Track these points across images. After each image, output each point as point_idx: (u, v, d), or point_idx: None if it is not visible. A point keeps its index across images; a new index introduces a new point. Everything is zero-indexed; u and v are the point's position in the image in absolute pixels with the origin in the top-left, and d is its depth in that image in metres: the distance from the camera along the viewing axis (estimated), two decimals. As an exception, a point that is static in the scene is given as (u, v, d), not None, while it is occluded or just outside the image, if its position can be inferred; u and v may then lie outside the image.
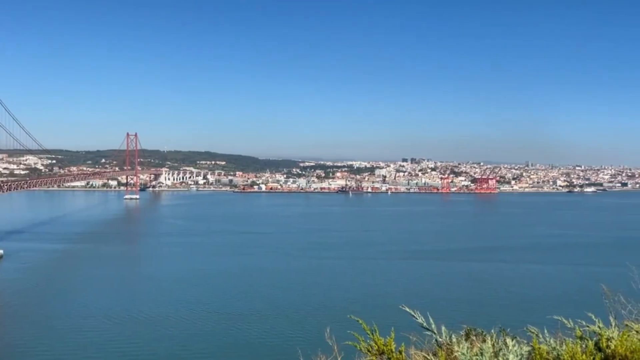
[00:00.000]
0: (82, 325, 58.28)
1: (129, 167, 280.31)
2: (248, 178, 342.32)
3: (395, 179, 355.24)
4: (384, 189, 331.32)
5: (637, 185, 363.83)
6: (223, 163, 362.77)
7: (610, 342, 4.52)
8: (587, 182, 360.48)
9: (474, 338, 6.93)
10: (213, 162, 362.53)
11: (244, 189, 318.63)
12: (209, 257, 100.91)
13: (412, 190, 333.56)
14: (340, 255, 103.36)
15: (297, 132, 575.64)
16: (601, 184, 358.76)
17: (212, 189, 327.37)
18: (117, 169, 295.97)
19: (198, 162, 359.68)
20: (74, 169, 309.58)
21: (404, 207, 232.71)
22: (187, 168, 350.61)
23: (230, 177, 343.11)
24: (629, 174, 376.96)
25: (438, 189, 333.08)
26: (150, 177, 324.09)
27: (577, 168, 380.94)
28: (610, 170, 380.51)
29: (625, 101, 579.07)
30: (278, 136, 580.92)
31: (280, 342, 51.80)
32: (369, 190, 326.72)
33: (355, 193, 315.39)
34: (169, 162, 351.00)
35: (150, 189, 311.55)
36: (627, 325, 5.15)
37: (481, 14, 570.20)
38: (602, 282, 11.86)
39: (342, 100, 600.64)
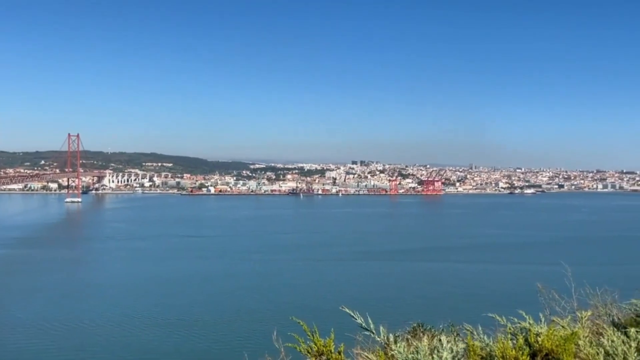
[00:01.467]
0: (7, 338, 54.72)
1: (70, 169, 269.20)
2: (196, 180, 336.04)
3: (345, 181, 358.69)
4: (334, 191, 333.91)
5: (573, 187, 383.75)
6: (170, 165, 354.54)
7: (539, 337, 4.73)
8: (527, 184, 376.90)
9: (421, 335, 7.10)
10: (160, 164, 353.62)
11: (192, 191, 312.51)
12: (154, 262, 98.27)
13: (361, 192, 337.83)
14: (291, 258, 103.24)
15: (247, 133, 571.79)
16: (540, 186, 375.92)
17: (158, 191, 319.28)
18: (57, 171, 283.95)
19: (144, 163, 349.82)
20: (10, 170, 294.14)
21: (354, 208, 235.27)
22: (133, 170, 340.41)
23: (177, 180, 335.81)
24: (565, 176, 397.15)
25: (386, 191, 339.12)
26: (93, 180, 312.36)
27: (518, 170, 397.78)
28: (549, 172, 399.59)
29: (561, 106, 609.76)
30: (227, 138, 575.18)
31: (226, 348, 50.96)
32: (320, 192, 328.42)
33: (306, 195, 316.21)
34: (113, 164, 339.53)
35: (93, 191, 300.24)
36: (553, 320, 5.41)
37: (428, 18, 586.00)
38: (539, 280, 12.41)
39: (292, 102, 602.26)
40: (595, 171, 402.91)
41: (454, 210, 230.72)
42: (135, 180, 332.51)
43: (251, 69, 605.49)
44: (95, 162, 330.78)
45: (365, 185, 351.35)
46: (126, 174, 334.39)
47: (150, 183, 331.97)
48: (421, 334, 7.15)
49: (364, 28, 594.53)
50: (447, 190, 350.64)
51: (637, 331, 5.06)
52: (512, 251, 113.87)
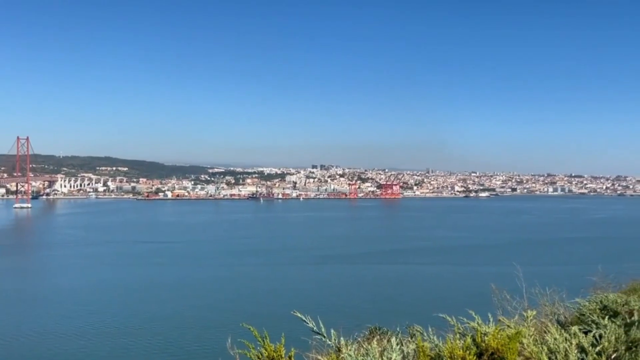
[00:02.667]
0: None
1: (19, 174, 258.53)
2: (153, 185, 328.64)
3: (305, 185, 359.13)
4: (294, 195, 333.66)
5: (525, 190, 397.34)
6: (125, 169, 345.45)
7: (485, 336, 4.83)
8: (481, 187, 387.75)
9: (379, 338, 7.14)
10: (114, 168, 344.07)
11: (148, 196, 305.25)
12: (107, 270, 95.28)
13: (321, 196, 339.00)
14: (250, 263, 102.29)
15: (206, 137, 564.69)
16: (494, 190, 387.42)
17: (113, 196, 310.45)
18: (5, 175, 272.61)
19: (98, 168, 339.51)
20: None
21: (314, 212, 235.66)
22: (86, 174, 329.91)
23: (133, 184, 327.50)
24: (518, 180, 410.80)
25: (346, 195, 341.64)
26: (43, 185, 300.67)
27: (473, 174, 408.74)
28: (502, 176, 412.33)
29: (514, 111, 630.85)
30: (185, 141, 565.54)
31: (181, 356, 49.91)
32: (280, 196, 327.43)
33: (266, 199, 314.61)
34: (65, 168, 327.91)
35: (44, 197, 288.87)
36: (500, 320, 5.56)
37: (387, 20, 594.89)
38: (492, 280, 12.74)
39: (252, 105, 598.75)
40: (546, 175, 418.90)
41: (412, 214, 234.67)
42: (88, 185, 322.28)
43: (209, 72, 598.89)
44: (46, 167, 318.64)
45: (326, 189, 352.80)
46: (79, 178, 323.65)
47: (105, 188, 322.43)
48: (379, 337, 7.20)
49: (321, 30, 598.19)
50: (405, 193, 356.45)
51: (579, 329, 5.24)
52: (467, 253, 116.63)
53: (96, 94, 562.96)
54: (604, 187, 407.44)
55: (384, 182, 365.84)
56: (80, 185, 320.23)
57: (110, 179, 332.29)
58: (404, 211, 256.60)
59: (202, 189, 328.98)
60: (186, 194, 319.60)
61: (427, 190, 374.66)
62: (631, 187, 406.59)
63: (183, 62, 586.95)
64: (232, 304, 69.82)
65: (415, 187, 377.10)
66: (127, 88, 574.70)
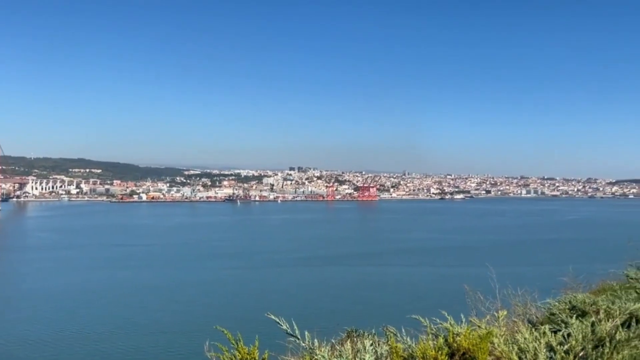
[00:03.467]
0: None
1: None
2: (127, 187, 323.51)
3: (282, 187, 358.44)
4: (272, 197, 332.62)
5: (499, 192, 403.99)
6: (99, 171, 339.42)
7: (457, 336, 4.90)
8: (456, 189, 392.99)
9: (355, 340, 7.17)
10: (87, 170, 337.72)
11: (122, 198, 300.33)
12: (79, 273, 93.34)
13: (299, 199, 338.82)
14: (227, 266, 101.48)
15: (182, 139, 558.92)
16: (469, 192, 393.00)
17: (86, 199, 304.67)
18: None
19: (70, 170, 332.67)
20: None
21: (291, 215, 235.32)
22: (58, 176, 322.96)
23: (107, 186, 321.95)
24: (492, 182, 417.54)
25: (324, 197, 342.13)
26: (14, 187, 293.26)
27: (448, 177, 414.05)
28: (477, 179, 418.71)
29: (488, 113, 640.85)
30: (160, 143, 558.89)
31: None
32: (257, 198, 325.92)
33: (243, 202, 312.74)
34: (36, 170, 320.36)
35: (14, 199, 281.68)
36: (471, 321, 5.64)
37: (365, 22, 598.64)
38: (466, 281, 12.91)
39: (228, 106, 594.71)
40: (519, 177, 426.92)
41: (388, 216, 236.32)
42: (61, 187, 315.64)
43: (185, 72, 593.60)
44: (16, 168, 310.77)
45: (303, 192, 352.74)
46: (51, 180, 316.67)
47: (78, 190, 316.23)
48: (355, 339, 7.23)
49: (298, 31, 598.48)
50: (381, 196, 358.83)
51: (549, 328, 5.35)
52: (443, 254, 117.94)
53: (69, 94, 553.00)
54: (576, 189, 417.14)
55: (361, 185, 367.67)
56: (52, 188, 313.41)
57: (83, 181, 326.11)
58: (380, 213, 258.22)
59: (178, 191, 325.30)
60: (161, 196, 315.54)
61: (404, 193, 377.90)
62: (601, 189, 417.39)
63: (158, 63, 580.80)
64: (209, 307, 69.16)
65: (392, 190, 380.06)
66: (101, 88, 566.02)
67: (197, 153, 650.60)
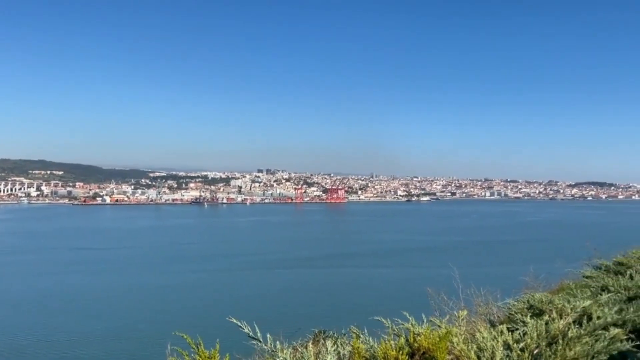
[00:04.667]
0: None
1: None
2: (90, 189, 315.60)
3: (251, 189, 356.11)
4: (239, 199, 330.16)
5: (464, 194, 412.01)
6: (60, 173, 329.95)
7: (418, 336, 4.97)
8: (423, 192, 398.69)
9: (318, 340, 7.17)
10: (49, 172, 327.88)
11: (85, 201, 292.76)
12: (38, 278, 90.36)
13: (267, 201, 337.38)
14: (194, 269, 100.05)
15: (146, 140, 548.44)
16: (434, 194, 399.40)
17: (47, 201, 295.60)
18: None
19: (30, 171, 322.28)
20: None
21: (259, 217, 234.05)
22: (17, 178, 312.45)
23: (69, 189, 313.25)
24: (457, 185, 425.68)
25: (292, 199, 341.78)
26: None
27: (415, 179, 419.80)
28: (442, 181, 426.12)
29: (453, 115, 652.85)
30: (125, 144, 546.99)
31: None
32: (225, 201, 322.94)
33: (211, 204, 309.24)
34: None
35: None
36: (431, 320, 5.75)
37: (332, 25, 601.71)
38: (431, 282, 13.13)
39: (194, 107, 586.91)
40: (483, 180, 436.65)
41: (356, 218, 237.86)
42: (20, 189, 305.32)
43: (150, 72, 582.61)
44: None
45: (271, 194, 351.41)
46: (9, 182, 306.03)
47: (38, 192, 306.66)
48: (319, 340, 7.25)
49: (266, 32, 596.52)
50: (350, 198, 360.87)
51: (507, 327, 5.49)
52: (410, 255, 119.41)
53: (28, 94, 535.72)
54: (537, 191, 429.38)
55: (330, 187, 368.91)
56: (12, 190, 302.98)
57: (44, 183, 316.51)
58: (349, 215, 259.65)
59: (143, 193, 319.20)
60: (126, 198, 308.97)
61: (371, 195, 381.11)
62: (562, 191, 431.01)
63: (121, 62, 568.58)
64: (174, 312, 68.04)
65: (360, 192, 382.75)
66: (62, 88, 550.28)
67: (162, 154, 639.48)
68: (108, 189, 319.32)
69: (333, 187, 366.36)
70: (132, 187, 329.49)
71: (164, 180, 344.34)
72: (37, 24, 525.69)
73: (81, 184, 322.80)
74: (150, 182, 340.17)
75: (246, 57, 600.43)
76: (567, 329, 4.65)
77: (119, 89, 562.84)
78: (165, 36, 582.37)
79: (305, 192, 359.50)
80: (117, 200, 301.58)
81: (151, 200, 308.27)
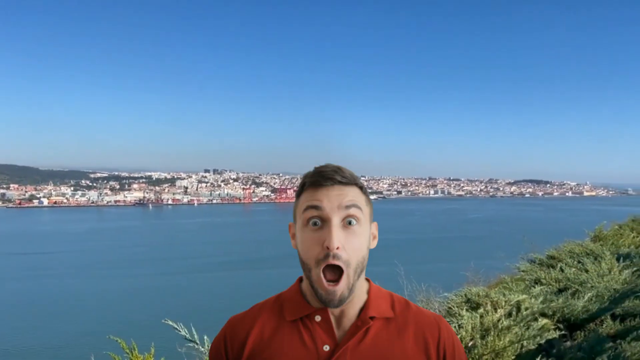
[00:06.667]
0: None
1: None
2: (26, 191, 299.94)
3: (197, 190, 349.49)
4: (185, 200, 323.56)
5: (409, 193, 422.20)
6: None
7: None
8: (370, 190, 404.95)
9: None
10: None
11: (20, 203, 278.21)
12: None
13: (214, 201, 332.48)
14: (136, 273, 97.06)
15: (86, 139, 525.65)
16: (382, 192, 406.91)
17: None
18: None
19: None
20: None
21: (206, 218, 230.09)
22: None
23: (2, 191, 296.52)
24: (403, 184, 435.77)
25: (240, 199, 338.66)
26: None
27: (362, 178, 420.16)
28: (389, 180, 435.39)
29: (397, 115, 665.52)
30: (63, 144, 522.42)
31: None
32: (170, 202, 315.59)
33: (155, 205, 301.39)
34: None
35: None
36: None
37: (282, 21, 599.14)
38: (378, 279, 13.12)
39: (137, 105, 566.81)
40: (427, 178, 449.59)
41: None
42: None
43: (90, 68, 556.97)
44: None
45: (219, 194, 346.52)
46: None
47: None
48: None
49: (210, 29, 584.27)
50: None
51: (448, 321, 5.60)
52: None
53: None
54: (479, 189, 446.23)
55: (279, 187, 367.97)
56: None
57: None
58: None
59: (83, 195, 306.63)
60: (65, 200, 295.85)
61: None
62: (501, 189, 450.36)
63: (60, 58, 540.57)
64: (114, 317, 65.77)
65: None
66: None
67: (104, 155, 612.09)
68: (46, 191, 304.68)
69: (282, 187, 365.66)
70: (72, 188, 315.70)
71: (105, 182, 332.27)
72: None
73: (16, 185, 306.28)
74: (91, 184, 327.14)
75: (190, 55, 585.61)
76: (499, 320, 4.78)
77: (58, 87, 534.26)
78: (107, 32, 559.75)
79: (253, 192, 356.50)
80: (55, 203, 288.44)
81: (92, 202, 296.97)
